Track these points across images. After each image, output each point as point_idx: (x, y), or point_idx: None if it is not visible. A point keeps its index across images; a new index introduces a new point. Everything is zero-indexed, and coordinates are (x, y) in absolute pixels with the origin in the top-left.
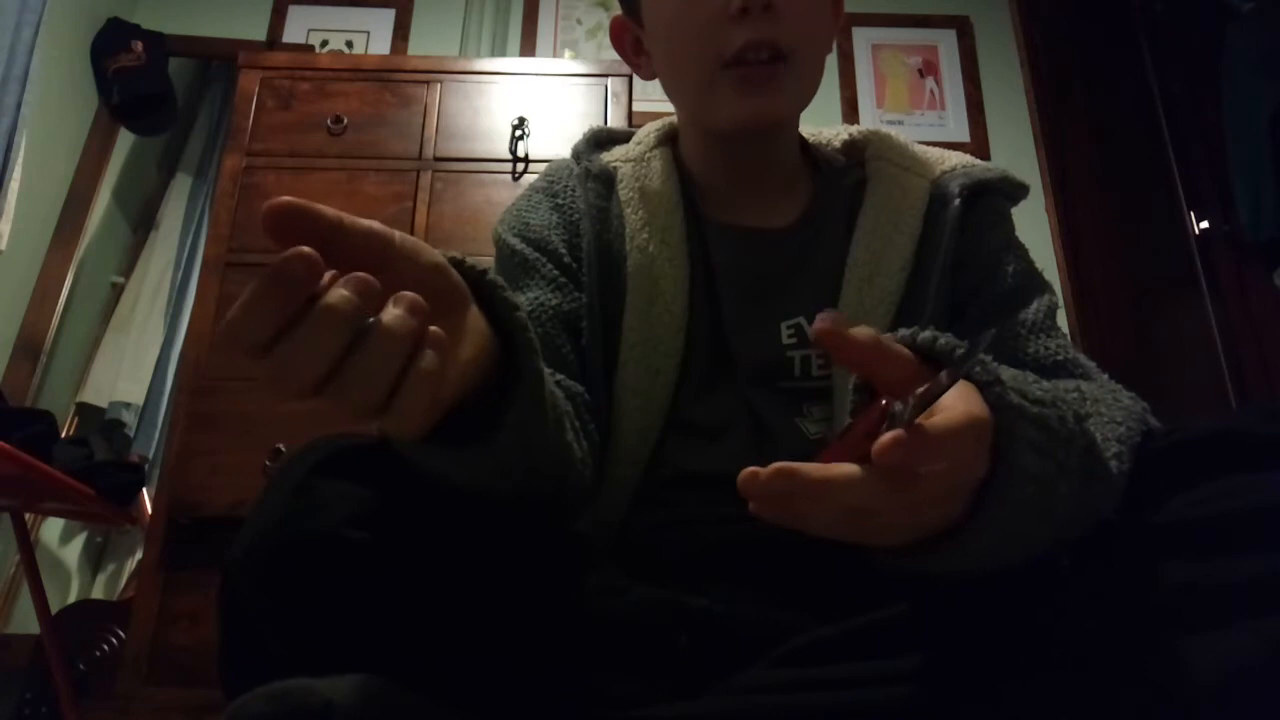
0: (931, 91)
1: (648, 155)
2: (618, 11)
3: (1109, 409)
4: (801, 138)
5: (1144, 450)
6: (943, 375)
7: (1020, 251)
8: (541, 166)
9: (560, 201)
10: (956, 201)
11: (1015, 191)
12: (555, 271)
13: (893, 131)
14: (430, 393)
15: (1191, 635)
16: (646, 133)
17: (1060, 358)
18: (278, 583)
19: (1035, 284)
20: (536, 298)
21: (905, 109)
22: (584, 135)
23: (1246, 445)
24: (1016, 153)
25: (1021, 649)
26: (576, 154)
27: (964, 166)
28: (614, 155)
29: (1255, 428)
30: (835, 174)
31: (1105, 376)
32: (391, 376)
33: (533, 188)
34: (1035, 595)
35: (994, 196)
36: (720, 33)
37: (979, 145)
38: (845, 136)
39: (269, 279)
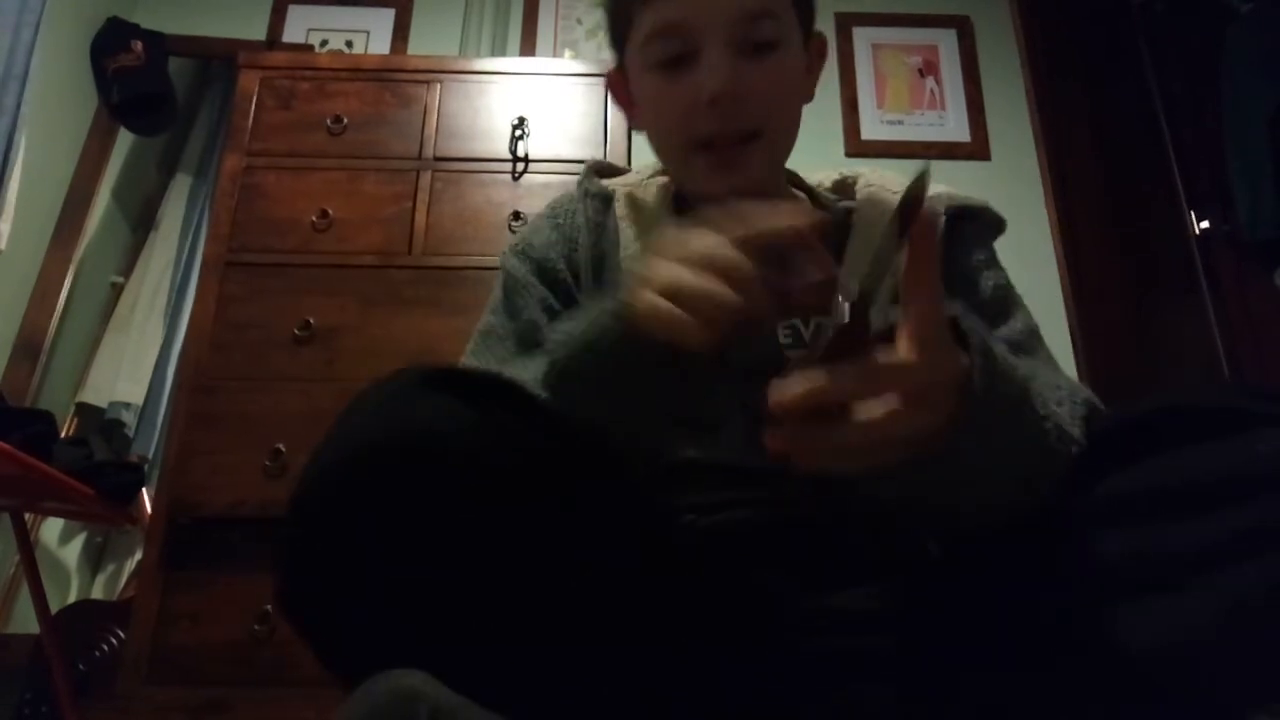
0: (932, 91)
1: (645, 182)
2: None
3: (1050, 377)
4: (795, 176)
5: (1096, 426)
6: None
7: (1001, 271)
8: (541, 166)
9: (560, 222)
10: (941, 220)
11: (997, 222)
12: (545, 292)
13: (880, 169)
14: None
15: (1149, 600)
16: (645, 166)
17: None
18: (378, 492)
19: (1014, 302)
20: (529, 318)
21: (905, 109)
22: (586, 165)
23: (1203, 416)
24: (1017, 152)
25: (1003, 620)
26: (579, 180)
27: (948, 193)
28: (614, 182)
29: (1211, 399)
30: (827, 205)
31: (1088, 393)
32: None
33: (538, 216)
34: (1003, 571)
35: (975, 223)
36: (693, 119)
37: (979, 145)
38: (835, 176)
39: None
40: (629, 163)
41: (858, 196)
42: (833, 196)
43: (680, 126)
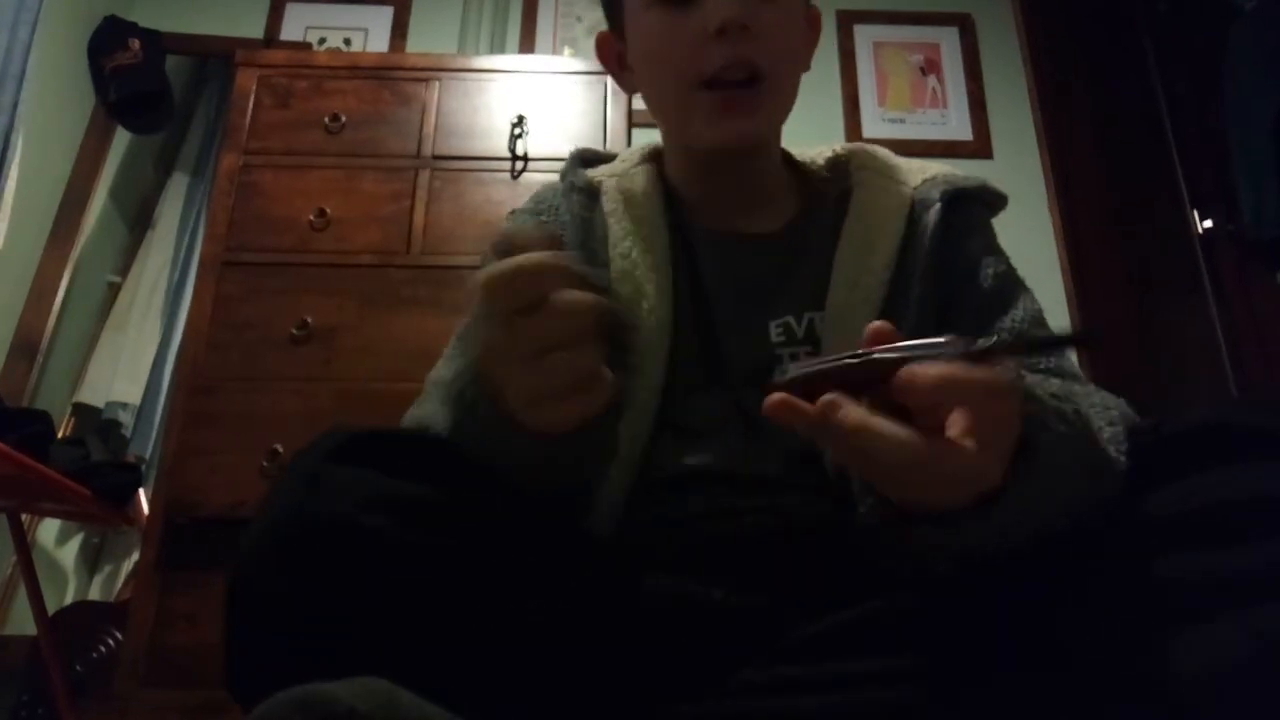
0: (934, 89)
1: (632, 171)
2: None
3: (1096, 397)
4: (786, 153)
5: (1135, 442)
6: (948, 341)
7: (1001, 256)
8: (540, 165)
9: (544, 219)
10: (937, 206)
11: (995, 201)
12: None
13: (875, 146)
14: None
15: (1179, 630)
16: (631, 151)
17: (1043, 367)
18: (290, 572)
19: (1016, 288)
20: None
21: (907, 107)
22: (569, 155)
23: (1239, 438)
24: (1019, 151)
25: (1012, 646)
26: (562, 174)
27: (945, 175)
28: (599, 172)
29: (1248, 421)
30: (820, 185)
31: (1091, 385)
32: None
33: (520, 210)
34: (1026, 591)
35: (974, 205)
36: (699, 52)
37: (981, 144)
38: (829, 154)
39: None
40: None
41: (854, 178)
42: (826, 175)
43: (684, 64)
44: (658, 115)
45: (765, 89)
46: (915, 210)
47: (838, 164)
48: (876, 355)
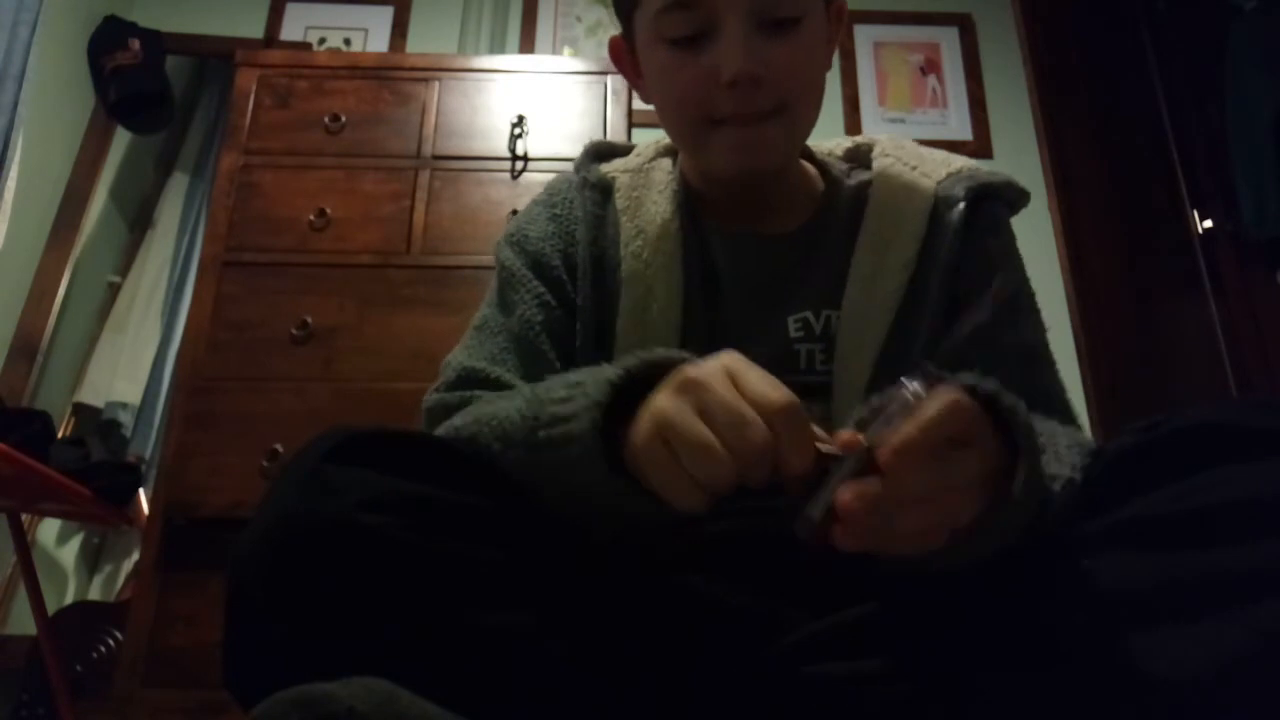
0: (934, 89)
1: (647, 166)
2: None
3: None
4: (806, 147)
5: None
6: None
7: (1016, 263)
8: (540, 165)
9: (557, 212)
10: (961, 205)
11: (1017, 199)
12: (541, 288)
13: (900, 137)
14: None
15: (1180, 628)
16: (647, 145)
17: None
18: (290, 571)
19: (1024, 307)
20: (523, 314)
21: (907, 107)
22: (584, 148)
23: (1237, 437)
24: (1019, 151)
25: (1010, 645)
26: (576, 167)
27: (969, 169)
28: (613, 166)
29: (1246, 420)
30: (840, 178)
31: (1074, 426)
32: None
33: (534, 201)
34: (1025, 591)
35: (996, 203)
36: (709, 98)
37: (981, 143)
38: (849, 144)
39: None
40: None
41: (876, 165)
42: (844, 166)
43: (695, 105)
44: (671, 135)
45: (781, 122)
46: (938, 206)
47: (858, 153)
48: (864, 444)
